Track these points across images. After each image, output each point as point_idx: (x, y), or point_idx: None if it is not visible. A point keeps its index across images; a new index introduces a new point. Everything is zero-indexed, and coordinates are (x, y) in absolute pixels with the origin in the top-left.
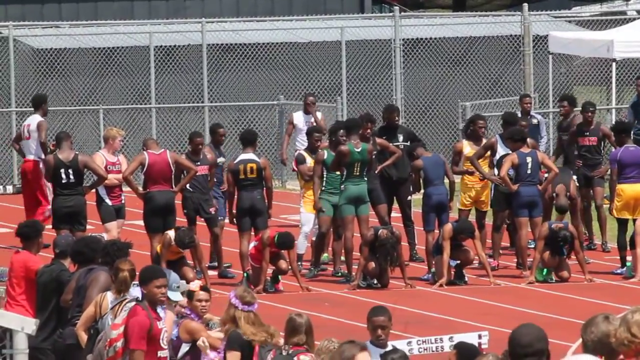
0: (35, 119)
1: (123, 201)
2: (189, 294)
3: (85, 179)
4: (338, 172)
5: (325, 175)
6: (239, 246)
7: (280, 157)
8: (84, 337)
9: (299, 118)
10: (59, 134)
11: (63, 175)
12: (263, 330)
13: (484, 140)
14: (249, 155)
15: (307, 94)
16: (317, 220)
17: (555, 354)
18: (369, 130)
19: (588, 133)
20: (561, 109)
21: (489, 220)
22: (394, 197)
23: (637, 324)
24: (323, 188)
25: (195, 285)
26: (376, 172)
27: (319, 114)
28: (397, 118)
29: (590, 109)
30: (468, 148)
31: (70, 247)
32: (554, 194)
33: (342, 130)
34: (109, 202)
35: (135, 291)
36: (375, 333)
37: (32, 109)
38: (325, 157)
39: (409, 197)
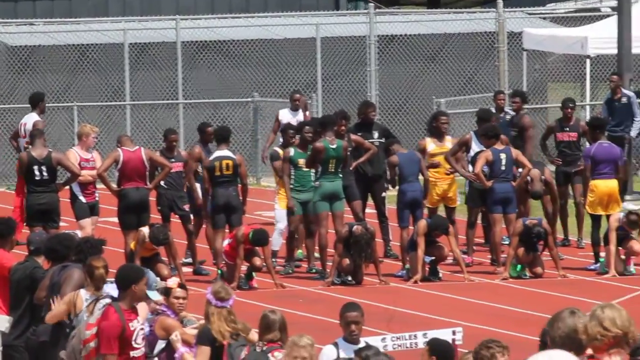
0: (31, 118)
1: (97, 198)
2: (166, 291)
3: (58, 177)
4: (306, 169)
5: (293, 173)
6: (213, 243)
7: (262, 154)
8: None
9: (285, 115)
10: (32, 131)
11: (36, 172)
12: (233, 327)
13: (447, 137)
14: (225, 152)
15: (293, 92)
16: (288, 218)
17: (529, 349)
18: (343, 127)
19: (568, 129)
20: (513, 104)
21: (458, 216)
22: (369, 194)
23: (609, 318)
24: (291, 186)
25: (172, 282)
26: (351, 168)
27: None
28: (373, 114)
29: (570, 104)
30: (432, 145)
31: (44, 245)
32: (529, 179)
33: (307, 127)
34: (82, 199)
35: (109, 288)
36: (349, 329)
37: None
38: (292, 154)
39: (384, 194)
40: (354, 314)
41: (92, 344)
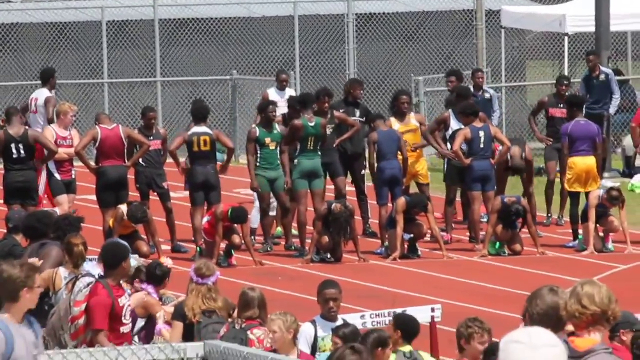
0: (43, 94)
1: (74, 176)
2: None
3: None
4: (272, 148)
5: (259, 152)
6: (193, 220)
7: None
8: None
9: (273, 95)
10: (8, 109)
11: (14, 151)
12: (209, 305)
13: (410, 116)
14: (202, 129)
15: (279, 71)
16: (256, 198)
17: (508, 326)
18: (326, 105)
19: (562, 105)
20: (449, 84)
21: (436, 194)
22: (349, 172)
23: (587, 296)
24: (258, 164)
25: (167, 263)
26: (334, 145)
27: (291, 91)
28: (360, 93)
29: (565, 82)
30: (397, 124)
31: (22, 223)
32: (509, 157)
33: (271, 106)
34: (58, 176)
35: (89, 266)
36: (327, 305)
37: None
38: (257, 134)
39: (363, 172)
40: (333, 291)
41: (80, 322)
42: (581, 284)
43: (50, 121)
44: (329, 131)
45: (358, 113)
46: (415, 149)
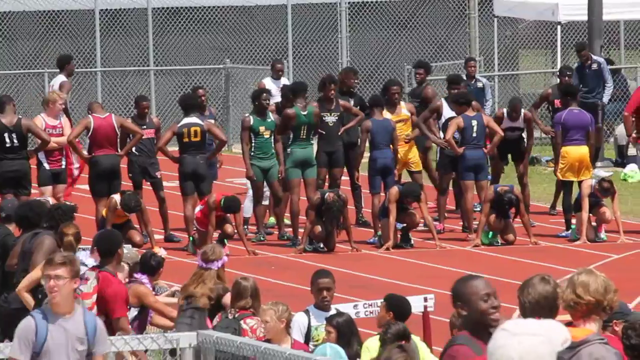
0: (59, 80)
1: (63, 166)
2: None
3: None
4: (267, 136)
5: (254, 140)
6: (184, 210)
7: None
8: (28, 298)
9: (268, 84)
10: (1, 98)
11: (7, 140)
12: (193, 289)
13: (401, 105)
14: (193, 119)
15: (274, 60)
16: (249, 186)
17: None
18: (332, 92)
19: None
20: (417, 75)
21: (428, 183)
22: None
23: (582, 285)
24: (252, 153)
25: (162, 254)
26: (339, 133)
27: (285, 80)
28: (354, 81)
29: (568, 72)
30: (388, 115)
31: (15, 212)
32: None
33: (264, 94)
34: (46, 165)
35: (82, 256)
36: (321, 295)
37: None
38: (251, 123)
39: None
40: (326, 280)
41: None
42: (578, 272)
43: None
44: (334, 119)
45: (352, 102)
46: (409, 140)
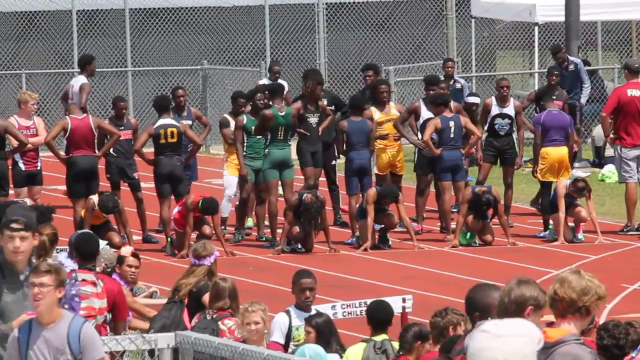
0: (79, 81)
1: (39, 167)
2: (119, 259)
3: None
4: (260, 137)
5: (246, 140)
6: (160, 212)
7: None
8: None
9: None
10: None
11: None
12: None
13: (389, 104)
14: (168, 120)
15: (272, 62)
16: (239, 185)
17: None
18: (319, 94)
19: (555, 97)
20: (367, 78)
21: (407, 184)
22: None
23: (560, 281)
24: (244, 153)
25: (126, 250)
26: (319, 134)
27: (284, 82)
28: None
29: (555, 72)
30: (377, 114)
31: None
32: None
33: (259, 94)
34: (22, 166)
35: (61, 257)
36: (303, 295)
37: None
38: (245, 122)
39: (334, 162)
40: (309, 280)
41: (101, 317)
42: (568, 270)
43: (83, 108)
44: (316, 120)
45: (325, 102)
46: (398, 138)
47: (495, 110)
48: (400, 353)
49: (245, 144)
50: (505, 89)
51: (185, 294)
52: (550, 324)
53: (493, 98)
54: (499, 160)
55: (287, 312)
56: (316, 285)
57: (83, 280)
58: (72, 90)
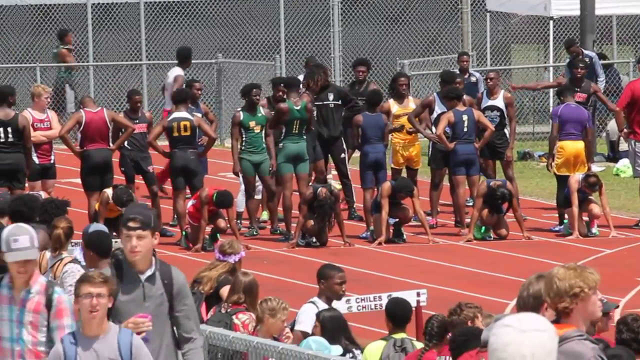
0: (173, 72)
1: (52, 160)
2: None
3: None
4: (257, 131)
5: (244, 135)
6: (175, 205)
7: None
8: None
9: None
10: (2, 90)
11: (1, 134)
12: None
13: (408, 98)
14: (182, 114)
15: (309, 58)
16: (241, 181)
17: (493, 311)
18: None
19: (579, 89)
20: (359, 73)
21: (422, 178)
22: (329, 155)
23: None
24: (243, 148)
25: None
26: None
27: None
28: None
29: (581, 65)
30: (395, 106)
31: (8, 206)
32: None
33: (255, 90)
34: (36, 159)
35: (76, 252)
36: (341, 288)
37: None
38: (241, 118)
39: (342, 155)
40: (343, 274)
41: None
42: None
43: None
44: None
45: (331, 96)
46: (412, 132)
47: (485, 102)
48: (427, 348)
49: (243, 139)
50: (490, 80)
51: (206, 287)
52: (554, 322)
53: (484, 91)
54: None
55: (314, 303)
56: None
57: None
58: (167, 81)
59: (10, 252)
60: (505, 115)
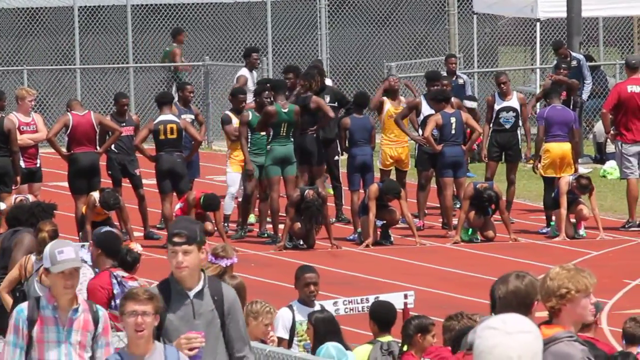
0: (239, 72)
1: (38, 164)
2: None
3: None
4: (263, 133)
5: (250, 137)
6: (162, 208)
7: None
8: (7, 299)
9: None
10: None
11: None
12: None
13: (402, 98)
14: (168, 116)
15: (316, 60)
16: (243, 181)
17: (480, 312)
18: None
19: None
20: (288, 81)
21: (409, 180)
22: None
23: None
24: (248, 149)
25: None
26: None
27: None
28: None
29: (563, 65)
30: (388, 104)
31: (11, 213)
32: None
33: (266, 92)
34: (22, 163)
35: (83, 253)
36: (308, 289)
37: None
38: (250, 118)
39: (336, 157)
40: (312, 274)
41: None
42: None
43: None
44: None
45: (328, 98)
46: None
47: (499, 103)
48: (404, 349)
49: (249, 141)
50: (503, 85)
51: None
52: (545, 322)
53: (496, 93)
54: (503, 156)
55: (290, 307)
56: (319, 280)
57: (123, 277)
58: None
59: (57, 264)
60: (520, 116)
